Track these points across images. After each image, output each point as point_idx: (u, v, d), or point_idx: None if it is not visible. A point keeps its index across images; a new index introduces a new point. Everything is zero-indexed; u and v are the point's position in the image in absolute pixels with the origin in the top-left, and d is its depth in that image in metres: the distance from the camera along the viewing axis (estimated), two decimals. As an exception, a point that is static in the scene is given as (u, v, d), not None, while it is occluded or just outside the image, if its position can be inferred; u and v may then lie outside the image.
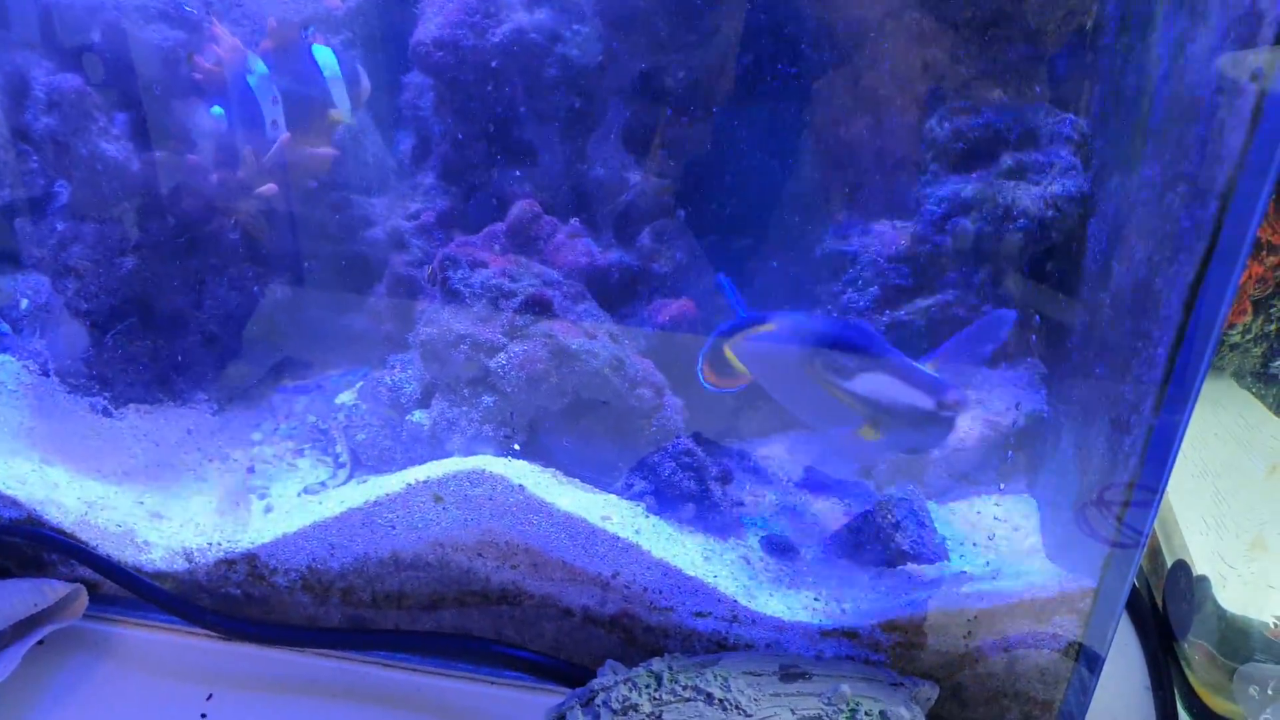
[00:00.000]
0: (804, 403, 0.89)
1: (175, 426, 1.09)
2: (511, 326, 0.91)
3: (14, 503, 0.93)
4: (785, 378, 0.88)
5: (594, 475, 0.96)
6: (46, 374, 1.05)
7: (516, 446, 0.90)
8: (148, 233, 0.97)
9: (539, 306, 0.91)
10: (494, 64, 0.96)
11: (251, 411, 1.17)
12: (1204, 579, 0.89)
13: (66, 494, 0.95)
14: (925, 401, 0.78)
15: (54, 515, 0.93)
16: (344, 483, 1.03)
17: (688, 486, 0.95)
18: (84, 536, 0.93)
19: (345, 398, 1.06)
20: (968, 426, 1.01)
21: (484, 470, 0.86)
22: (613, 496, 0.92)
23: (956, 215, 0.98)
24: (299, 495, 1.01)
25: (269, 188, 0.95)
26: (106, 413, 1.06)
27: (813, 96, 1.02)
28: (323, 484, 1.02)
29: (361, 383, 1.06)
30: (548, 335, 0.91)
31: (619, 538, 0.86)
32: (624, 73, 0.98)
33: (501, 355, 0.91)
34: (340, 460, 1.04)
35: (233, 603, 0.93)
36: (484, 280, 0.92)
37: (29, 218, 1.00)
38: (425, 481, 0.87)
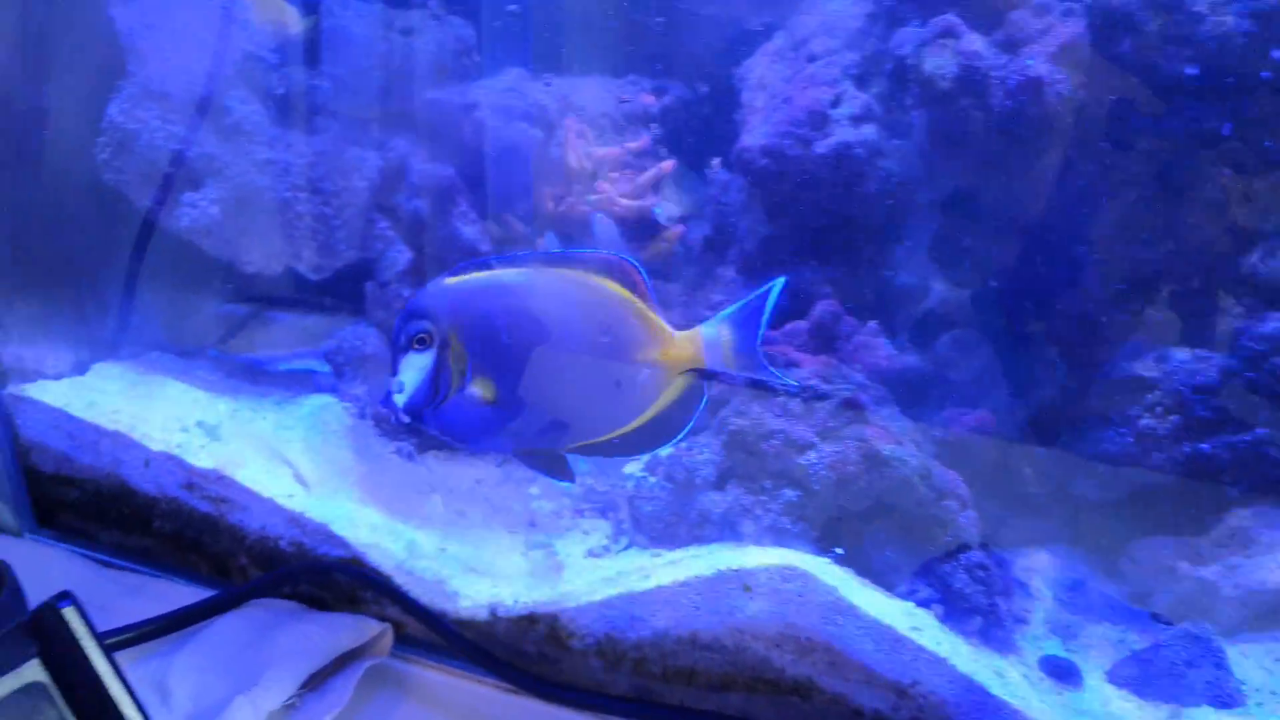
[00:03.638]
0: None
1: (466, 475, 1.17)
2: (824, 427, 0.94)
3: (343, 543, 1.02)
4: None
5: (877, 578, 0.97)
6: (362, 416, 1.15)
7: (839, 550, 0.93)
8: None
9: (854, 409, 0.94)
10: (815, 173, 1.01)
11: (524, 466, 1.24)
12: None
13: (386, 537, 1.04)
14: None
15: (375, 558, 1.02)
16: (625, 549, 1.08)
17: (979, 600, 0.96)
18: (399, 581, 1.01)
19: (632, 468, 1.11)
20: (1271, 568, 0.99)
21: (797, 567, 0.89)
22: (910, 604, 0.93)
23: (1278, 355, 0.97)
24: (585, 557, 1.07)
25: None
26: (410, 457, 1.15)
27: (1120, 224, 1.03)
28: (605, 548, 1.08)
29: (647, 457, 1.11)
30: (860, 439, 0.94)
31: (925, 648, 0.87)
32: (940, 187, 1.01)
33: (812, 453, 0.95)
34: (623, 527, 1.09)
35: (524, 658, 0.99)
36: (799, 379, 0.96)
37: (371, 279, 1.11)
38: (736, 571, 0.90)
